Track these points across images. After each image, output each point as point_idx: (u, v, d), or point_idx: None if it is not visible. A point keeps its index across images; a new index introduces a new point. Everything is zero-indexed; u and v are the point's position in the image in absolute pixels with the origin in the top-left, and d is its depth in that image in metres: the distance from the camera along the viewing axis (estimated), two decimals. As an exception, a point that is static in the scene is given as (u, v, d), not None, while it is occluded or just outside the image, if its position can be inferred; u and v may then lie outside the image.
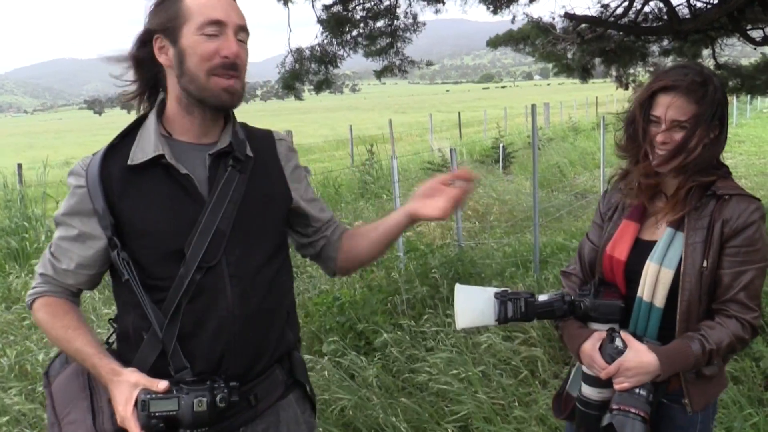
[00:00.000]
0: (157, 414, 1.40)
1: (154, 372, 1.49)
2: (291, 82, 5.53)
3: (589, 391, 1.83)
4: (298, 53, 5.47)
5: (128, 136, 1.61)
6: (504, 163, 14.52)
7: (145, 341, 1.54)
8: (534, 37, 7.36)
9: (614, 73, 8.20)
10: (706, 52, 7.82)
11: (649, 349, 1.72)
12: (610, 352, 1.74)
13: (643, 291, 1.82)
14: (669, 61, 7.96)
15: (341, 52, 5.51)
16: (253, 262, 1.61)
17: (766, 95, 7.89)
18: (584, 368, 1.84)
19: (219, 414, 1.45)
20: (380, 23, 5.92)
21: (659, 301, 1.79)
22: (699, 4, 6.46)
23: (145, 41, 1.58)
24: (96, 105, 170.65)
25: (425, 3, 6.26)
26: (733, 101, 23.27)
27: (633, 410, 1.67)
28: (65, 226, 1.60)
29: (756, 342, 3.74)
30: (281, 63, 5.61)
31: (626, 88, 8.11)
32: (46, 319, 1.60)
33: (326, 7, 5.09)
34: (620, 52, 7.75)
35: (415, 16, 6.47)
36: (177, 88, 1.57)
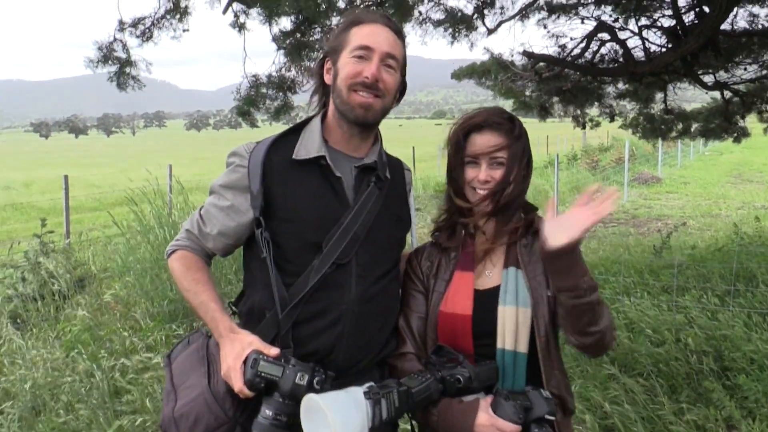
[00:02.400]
0: (262, 374, 1.50)
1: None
2: (246, 108, 5.35)
3: None
4: (255, 79, 5.31)
5: (292, 134, 1.80)
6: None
7: (266, 319, 1.68)
8: (495, 72, 7.38)
9: (572, 112, 8.28)
10: (659, 96, 7.97)
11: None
12: (514, 410, 1.56)
13: (504, 340, 1.69)
14: (624, 103, 8.10)
15: (300, 78, 5.38)
16: (376, 269, 1.77)
17: (721, 138, 8.08)
18: None
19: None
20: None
21: (523, 346, 1.68)
22: (654, 48, 6.56)
23: (322, 63, 1.83)
24: (42, 128, 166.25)
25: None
26: (678, 144, 24.12)
27: None
28: (218, 196, 1.79)
29: (716, 390, 3.68)
30: (236, 89, 5.44)
31: (584, 128, 8.20)
32: (181, 269, 1.76)
33: (284, 34, 4.95)
34: (577, 92, 7.85)
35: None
36: (332, 102, 1.78)
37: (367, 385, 1.52)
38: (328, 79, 1.80)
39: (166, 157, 37.65)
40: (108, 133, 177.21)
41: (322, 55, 1.87)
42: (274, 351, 1.55)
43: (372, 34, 1.73)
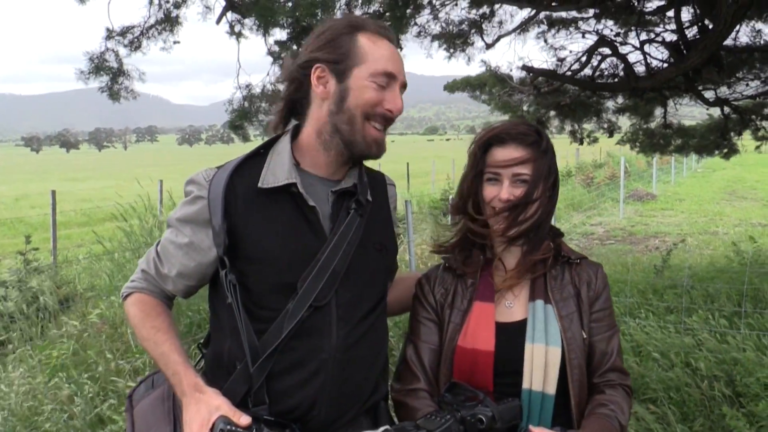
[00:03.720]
0: None
1: (236, 403, 1.42)
2: (239, 122, 5.18)
3: None
4: (248, 90, 5.14)
5: (257, 156, 1.58)
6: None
7: (236, 373, 1.48)
8: (491, 86, 7.27)
9: (569, 127, 8.17)
10: (658, 111, 7.88)
11: None
12: None
13: (531, 380, 1.52)
14: (624, 119, 8.01)
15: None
16: (360, 308, 1.57)
17: (713, 155, 7.99)
18: None
19: None
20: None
21: (551, 387, 1.52)
22: (655, 63, 6.47)
23: (305, 67, 1.54)
24: (33, 142, 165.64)
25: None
26: (671, 161, 24.13)
27: None
28: (176, 231, 1.57)
29: (734, 418, 3.51)
30: (229, 101, 5.26)
31: (581, 143, 8.09)
32: (138, 316, 1.57)
33: (280, 45, 4.80)
34: (575, 107, 7.74)
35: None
36: (324, 121, 1.53)
37: (383, 429, 1.35)
38: (323, 92, 1.53)
39: (157, 171, 37.46)
40: (99, 147, 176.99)
41: (307, 58, 1.56)
42: (244, 420, 1.34)
43: (393, 57, 1.52)
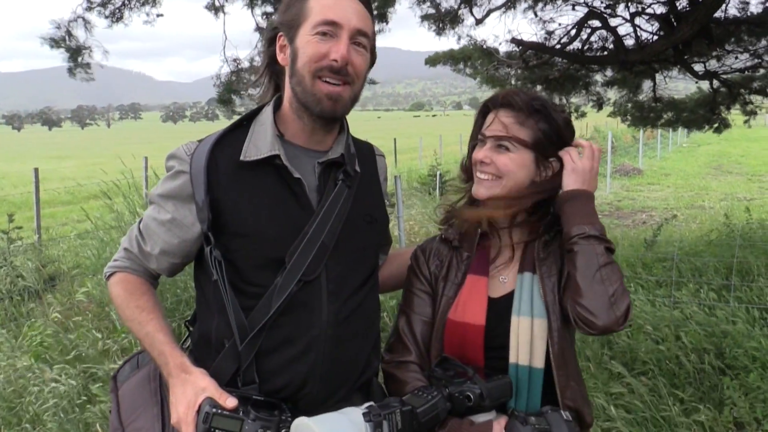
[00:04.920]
0: (216, 430, 1.28)
1: (225, 382, 1.40)
2: (227, 96, 5.07)
3: None
4: (236, 63, 5.03)
5: (239, 128, 1.52)
6: (441, 191, 14.35)
7: (225, 351, 1.44)
8: (475, 59, 7.17)
9: (557, 101, 8.11)
10: (647, 84, 7.85)
11: None
12: None
13: (517, 353, 1.49)
14: (612, 92, 7.97)
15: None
16: (350, 282, 1.52)
17: (702, 129, 7.98)
18: None
19: None
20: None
21: (538, 361, 1.48)
22: (645, 35, 6.41)
23: (272, 38, 1.52)
24: (15, 120, 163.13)
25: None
26: (657, 135, 24.20)
27: None
28: (158, 207, 1.52)
29: (730, 389, 3.53)
30: (216, 75, 5.14)
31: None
32: (122, 295, 1.53)
33: (267, 15, 4.69)
34: (563, 81, 7.68)
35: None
36: (289, 89, 1.50)
37: (366, 405, 1.31)
38: (282, 59, 1.49)
39: (142, 149, 37.02)
40: (82, 125, 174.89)
41: (271, 29, 1.55)
42: (231, 402, 1.31)
43: (337, 6, 1.42)
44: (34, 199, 8.57)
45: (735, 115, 8.29)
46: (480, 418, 1.42)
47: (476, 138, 1.59)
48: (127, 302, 1.51)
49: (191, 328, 1.64)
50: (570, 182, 1.50)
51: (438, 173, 14.66)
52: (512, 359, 1.49)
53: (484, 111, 1.59)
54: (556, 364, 1.49)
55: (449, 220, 1.68)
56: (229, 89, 5.04)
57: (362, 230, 1.57)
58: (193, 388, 1.34)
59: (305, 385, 1.46)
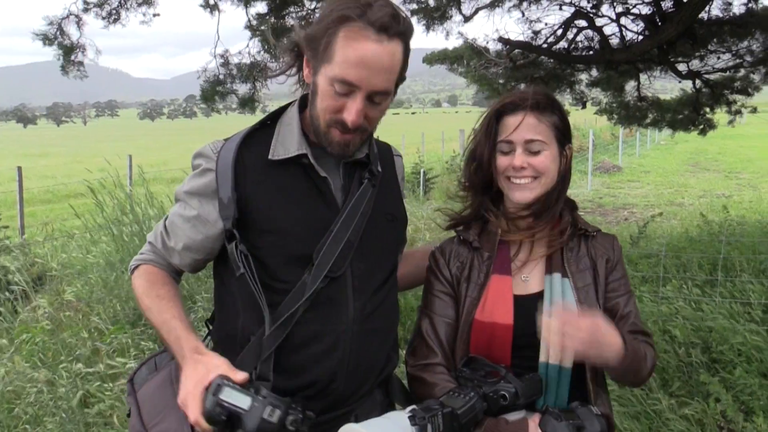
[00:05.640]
0: (225, 404, 1.25)
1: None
2: (211, 93, 5.05)
3: None
4: (223, 59, 5.00)
5: (264, 127, 1.54)
6: (425, 189, 14.41)
7: (250, 345, 1.44)
8: (468, 58, 7.24)
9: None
10: (631, 84, 7.95)
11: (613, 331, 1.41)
12: (567, 430, 1.38)
13: (548, 353, 1.51)
14: (597, 91, 8.06)
15: (272, 63, 5.10)
16: (375, 278, 1.55)
17: (688, 130, 8.09)
18: None
19: None
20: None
21: (568, 361, 1.51)
22: (630, 35, 6.51)
23: (300, 54, 1.51)
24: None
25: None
26: (636, 133, 24.49)
27: None
28: (184, 204, 1.55)
29: (712, 384, 3.61)
30: (203, 69, 5.10)
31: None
32: (143, 285, 1.55)
33: (259, 17, 4.69)
34: (548, 80, 7.76)
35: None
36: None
37: (410, 408, 1.32)
38: (307, 76, 1.48)
39: (120, 146, 36.64)
40: (58, 122, 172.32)
41: (298, 42, 1.49)
42: (240, 375, 1.30)
43: (361, 63, 1.36)
44: (17, 198, 8.47)
45: (718, 115, 8.42)
46: (513, 416, 1.45)
47: (491, 146, 1.59)
48: (148, 292, 1.53)
49: (211, 327, 1.65)
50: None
51: (422, 171, 14.72)
52: (542, 358, 1.51)
53: (497, 117, 1.59)
54: (590, 372, 1.53)
55: (457, 227, 1.70)
56: (213, 89, 5.01)
57: (384, 228, 1.59)
58: (205, 366, 1.33)
59: (334, 380, 1.48)
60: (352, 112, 1.40)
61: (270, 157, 1.48)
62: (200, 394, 1.28)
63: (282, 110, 1.58)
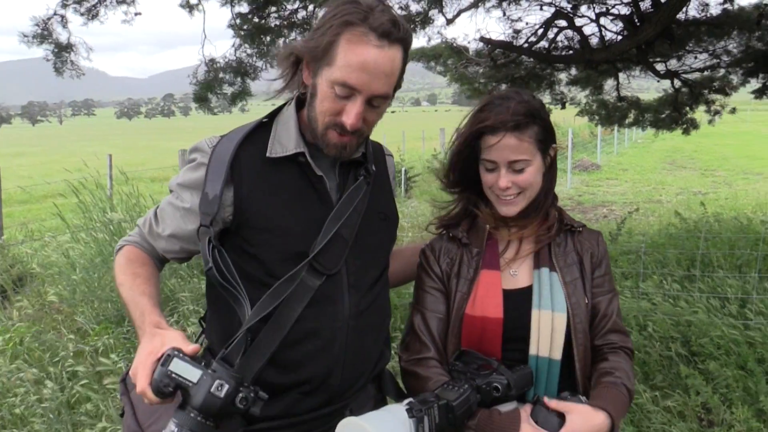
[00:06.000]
0: (173, 375, 1.21)
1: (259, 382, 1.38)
2: (204, 94, 5.05)
3: None
4: (212, 63, 5.01)
5: (261, 126, 1.56)
6: (406, 187, 14.45)
7: (252, 347, 1.44)
8: (446, 57, 7.28)
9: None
10: (609, 83, 8.05)
11: (592, 408, 1.46)
12: (558, 419, 1.43)
13: (537, 346, 1.56)
14: (576, 90, 8.15)
15: (258, 63, 5.10)
16: (368, 275, 1.59)
17: (671, 129, 8.20)
18: None
19: (229, 413, 1.23)
20: (295, 34, 5.56)
21: (557, 353, 1.56)
22: (609, 35, 6.59)
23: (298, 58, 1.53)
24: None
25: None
26: (614, 131, 24.75)
27: None
28: (176, 195, 1.57)
29: (692, 377, 3.70)
30: (193, 73, 5.11)
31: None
32: (122, 263, 1.56)
33: (242, 17, 4.69)
34: (529, 79, 7.83)
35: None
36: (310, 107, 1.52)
37: (407, 401, 1.35)
38: (306, 77, 1.49)
39: (98, 145, 36.22)
40: (33, 122, 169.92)
41: (296, 48, 1.51)
42: (191, 347, 1.26)
43: (362, 68, 1.38)
44: (-5, 198, 8.36)
45: (697, 114, 8.55)
46: (505, 407, 1.49)
47: (462, 157, 1.63)
48: (125, 269, 1.53)
49: (204, 324, 1.66)
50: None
51: (403, 170, 14.75)
52: (532, 351, 1.56)
53: (478, 135, 1.59)
54: (580, 363, 1.58)
55: (447, 227, 1.74)
56: (206, 87, 5.01)
57: (377, 227, 1.62)
58: (161, 339, 1.30)
59: (330, 375, 1.51)
60: (351, 115, 1.42)
61: (267, 155, 1.50)
62: (151, 365, 1.25)
63: (279, 109, 1.60)
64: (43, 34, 4.83)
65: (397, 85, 1.53)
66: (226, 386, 1.21)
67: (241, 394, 1.23)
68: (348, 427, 1.28)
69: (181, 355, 1.23)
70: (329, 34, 1.40)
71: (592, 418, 1.45)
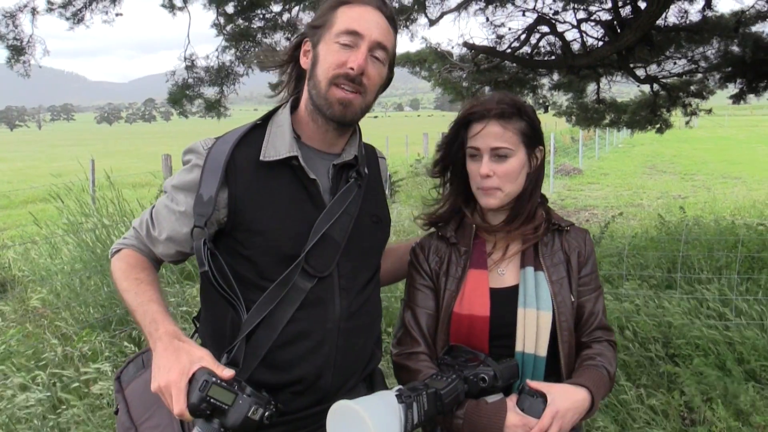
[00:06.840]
0: (211, 400, 1.27)
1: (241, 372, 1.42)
2: (180, 97, 5.02)
3: None
4: (191, 62, 4.98)
5: (256, 128, 1.58)
6: (390, 191, 14.49)
7: (247, 348, 1.45)
8: (431, 62, 7.33)
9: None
10: (591, 87, 8.16)
11: (572, 385, 1.53)
12: (543, 406, 1.48)
13: (524, 343, 1.61)
14: (558, 94, 8.24)
15: (239, 68, 5.10)
16: (360, 278, 1.60)
17: (645, 129, 8.34)
18: None
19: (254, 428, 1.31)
20: (279, 36, 5.56)
21: (542, 350, 1.61)
22: (591, 41, 6.68)
23: (298, 43, 1.61)
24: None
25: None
26: (595, 136, 25.00)
27: None
28: (171, 197, 1.57)
29: (680, 375, 3.76)
30: (171, 73, 5.07)
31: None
32: (122, 268, 1.55)
33: (226, 17, 4.69)
34: (511, 84, 7.91)
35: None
36: (306, 92, 1.57)
37: (397, 388, 1.40)
38: (304, 63, 1.57)
39: (78, 150, 35.86)
40: (11, 126, 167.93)
41: (299, 35, 1.63)
42: (227, 373, 1.31)
43: (362, 18, 1.50)
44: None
45: (675, 117, 8.69)
46: (492, 398, 1.53)
47: (459, 145, 1.68)
48: (127, 274, 1.53)
49: (197, 324, 1.68)
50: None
51: (387, 174, 14.80)
52: (518, 348, 1.60)
53: (465, 123, 1.67)
54: (565, 360, 1.63)
55: (437, 224, 1.78)
56: (182, 93, 4.99)
57: (369, 229, 1.64)
58: (188, 356, 1.31)
59: (321, 376, 1.54)
60: (358, 57, 1.48)
61: (261, 158, 1.51)
62: (185, 387, 1.27)
63: (273, 112, 1.62)
64: (8, 29, 4.77)
65: (390, 71, 1.61)
66: (261, 410, 1.30)
67: (268, 413, 1.31)
68: (340, 410, 1.31)
69: (218, 381, 1.28)
70: (326, 12, 1.53)
71: (573, 394, 1.51)
